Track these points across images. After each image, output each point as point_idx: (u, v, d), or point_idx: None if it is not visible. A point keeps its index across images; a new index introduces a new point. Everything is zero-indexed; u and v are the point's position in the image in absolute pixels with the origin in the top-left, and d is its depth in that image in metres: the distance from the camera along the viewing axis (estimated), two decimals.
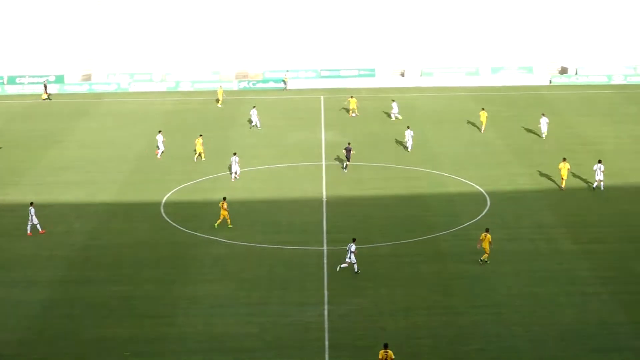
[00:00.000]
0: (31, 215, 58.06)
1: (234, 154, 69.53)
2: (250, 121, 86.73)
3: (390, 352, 39.95)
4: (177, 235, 57.68)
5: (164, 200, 64.20)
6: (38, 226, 58.45)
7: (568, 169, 65.67)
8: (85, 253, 55.04)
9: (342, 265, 51.20)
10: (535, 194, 64.73)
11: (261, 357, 42.15)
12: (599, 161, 65.86)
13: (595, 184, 65.54)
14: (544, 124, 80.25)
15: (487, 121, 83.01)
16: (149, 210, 62.51)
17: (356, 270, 50.97)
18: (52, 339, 44.08)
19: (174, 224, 59.64)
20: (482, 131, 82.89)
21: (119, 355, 42.49)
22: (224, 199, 59.67)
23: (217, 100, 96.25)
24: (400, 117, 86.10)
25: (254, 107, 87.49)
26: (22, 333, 44.64)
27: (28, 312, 46.90)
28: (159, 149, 76.03)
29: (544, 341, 43.07)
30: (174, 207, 63.00)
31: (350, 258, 50.86)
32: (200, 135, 76.73)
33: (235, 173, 68.60)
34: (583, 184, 66.58)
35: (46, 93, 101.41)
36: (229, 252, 54.58)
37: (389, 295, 48.18)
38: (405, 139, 76.25)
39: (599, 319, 45.11)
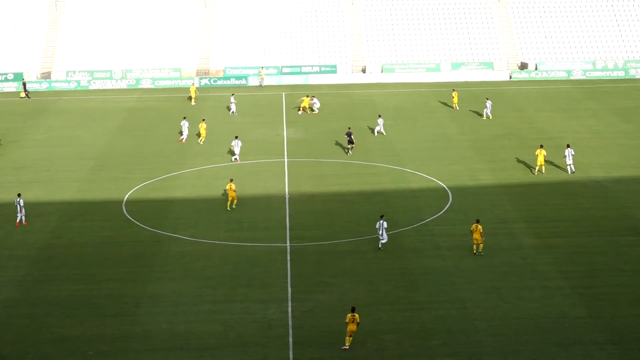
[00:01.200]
0: (19, 207, 58.73)
1: (236, 137, 72.57)
2: (229, 108, 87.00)
3: (357, 315, 41.63)
4: (140, 234, 57.37)
5: (125, 198, 63.85)
6: (23, 218, 58.88)
7: (544, 155, 67.81)
8: (47, 252, 54.59)
9: (383, 242, 53.42)
10: (496, 189, 65.08)
11: (225, 355, 42.03)
12: (568, 145, 68.27)
13: (569, 170, 67.96)
14: (488, 107, 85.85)
15: (458, 100, 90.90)
16: (110, 208, 62.13)
17: (380, 246, 53.46)
18: (13, 339, 43.64)
19: (136, 222, 59.32)
20: (456, 108, 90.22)
21: (82, 354, 42.18)
22: (231, 180, 61.62)
23: (190, 98, 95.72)
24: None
25: (233, 94, 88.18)
26: None
27: None
28: (182, 134, 78.43)
29: (507, 335, 43.29)
30: (136, 205, 62.68)
31: (382, 235, 52.99)
32: (204, 119, 79.94)
33: (237, 156, 71.97)
34: (543, 179, 67.03)
35: (25, 91, 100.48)
36: (192, 250, 54.37)
37: (352, 291, 48.20)
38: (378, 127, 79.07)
39: (561, 313, 45.40)
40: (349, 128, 75.85)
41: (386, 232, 53.49)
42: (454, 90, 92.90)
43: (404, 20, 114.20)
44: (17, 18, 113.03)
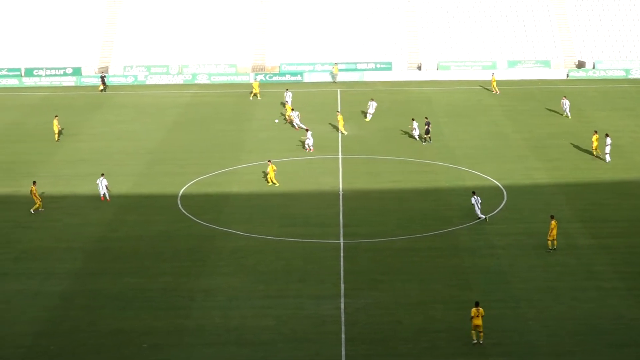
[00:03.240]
0: (101, 184, 62.62)
1: (307, 130, 74.44)
2: (283, 104, 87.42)
3: (481, 309, 41.73)
4: (194, 228, 57.76)
5: (180, 193, 64.31)
6: (107, 194, 62.28)
7: (597, 139, 70.85)
8: (103, 245, 55.19)
9: (482, 217, 57.40)
10: (551, 189, 64.57)
11: (278, 350, 42.18)
12: (607, 135, 70.25)
13: (607, 159, 69.55)
14: (566, 105, 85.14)
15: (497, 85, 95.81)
16: (165, 202, 62.63)
17: (482, 217, 57.47)
18: (69, 331, 44.21)
19: (190, 216, 59.74)
20: (496, 92, 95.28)
21: (136, 346, 42.59)
22: (269, 161, 64.88)
23: (251, 93, 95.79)
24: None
25: (287, 89, 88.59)
26: (40, 325, 44.78)
27: (46, 304, 47.05)
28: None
29: (561, 336, 42.98)
30: (190, 199, 63.11)
31: (478, 210, 57.09)
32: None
33: (309, 145, 73.23)
34: (600, 178, 66.39)
35: (103, 85, 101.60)
36: (246, 245, 54.63)
37: (405, 289, 48.15)
38: (412, 129, 77.65)
39: (617, 314, 44.96)
40: (426, 118, 76.93)
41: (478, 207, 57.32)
42: (493, 74, 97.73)
43: (460, 17, 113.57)
44: (76, 13, 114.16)
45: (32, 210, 60.41)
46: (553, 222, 52.63)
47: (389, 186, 65.60)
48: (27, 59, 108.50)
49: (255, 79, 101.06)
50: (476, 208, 57.58)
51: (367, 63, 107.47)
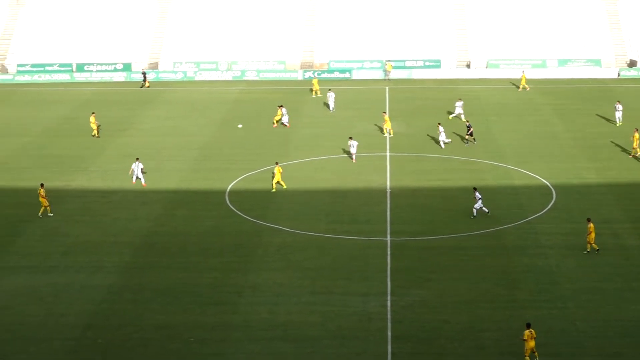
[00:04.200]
0: (137, 168, 64.76)
1: (350, 138, 71.35)
2: (327, 105, 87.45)
3: (534, 330, 40.07)
4: (241, 224, 57.99)
5: (228, 189, 64.59)
6: (142, 179, 64.13)
7: (637, 139, 70.03)
8: (151, 240, 55.60)
9: (484, 210, 57.86)
10: (601, 189, 63.98)
11: (324, 347, 42.23)
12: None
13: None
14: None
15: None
16: (213, 198, 62.94)
17: (487, 210, 58.05)
18: (117, 325, 44.59)
19: (238, 212, 59.99)
20: (525, 88, 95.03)
21: (183, 341, 42.85)
22: (277, 163, 64.58)
23: (311, 90, 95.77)
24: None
25: (330, 90, 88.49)
26: (88, 318, 45.23)
27: (94, 297, 47.51)
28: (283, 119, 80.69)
29: (609, 337, 42.58)
30: (238, 195, 63.37)
31: (477, 205, 57.54)
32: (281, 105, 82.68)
33: (354, 156, 71.06)
34: None
35: (144, 81, 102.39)
36: (293, 241, 54.76)
37: (452, 288, 47.99)
38: (438, 133, 75.38)
39: None
40: (467, 121, 76.24)
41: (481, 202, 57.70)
42: (523, 71, 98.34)
43: (510, 14, 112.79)
44: (127, 9, 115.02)
45: (40, 215, 59.48)
46: (590, 225, 52.01)
47: (437, 184, 65.39)
48: (78, 54, 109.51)
49: (315, 76, 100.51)
50: (479, 203, 57.82)
51: (416, 61, 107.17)
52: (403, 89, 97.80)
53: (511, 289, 47.77)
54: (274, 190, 63.70)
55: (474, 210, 57.75)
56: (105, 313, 45.85)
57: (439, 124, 76.39)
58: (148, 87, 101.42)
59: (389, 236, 55.35)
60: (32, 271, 51.07)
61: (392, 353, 41.49)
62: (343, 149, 73.04)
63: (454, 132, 77.72)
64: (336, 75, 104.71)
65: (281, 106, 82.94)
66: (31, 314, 45.74)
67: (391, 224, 57.44)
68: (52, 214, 59.41)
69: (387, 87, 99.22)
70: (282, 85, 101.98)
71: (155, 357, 41.57)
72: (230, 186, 65.11)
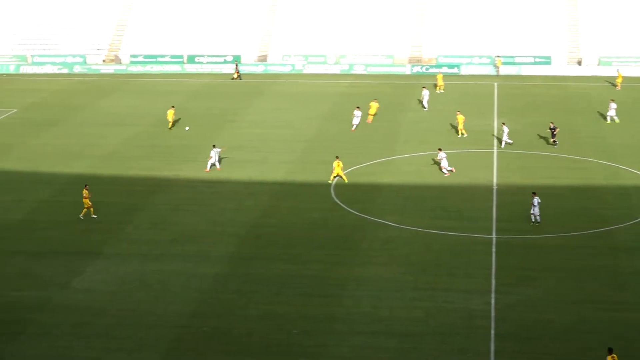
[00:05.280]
0: (215, 155, 66.96)
1: (439, 149, 68.45)
2: (420, 102, 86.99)
3: (615, 355, 38.31)
4: (347, 217, 58.22)
5: (334, 182, 64.85)
6: (217, 164, 66.73)
7: None
8: (257, 231, 56.21)
9: (536, 217, 55.66)
10: None
11: (425, 342, 42.19)
12: None
13: None
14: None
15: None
16: (319, 191, 63.29)
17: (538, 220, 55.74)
18: (222, 313, 45.26)
19: (343, 205, 60.22)
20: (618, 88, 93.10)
21: (286, 332, 43.28)
22: (337, 157, 64.88)
23: (435, 86, 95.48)
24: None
25: (424, 87, 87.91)
26: (195, 306, 46.01)
27: (200, 286, 48.28)
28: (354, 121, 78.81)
29: None
30: (344, 188, 63.58)
31: (534, 210, 55.35)
32: (376, 99, 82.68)
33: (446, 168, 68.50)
34: None
35: (237, 73, 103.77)
36: (397, 236, 54.76)
37: (558, 287, 47.42)
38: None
39: None
40: (552, 122, 73.93)
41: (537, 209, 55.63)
42: (618, 69, 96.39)
43: (624, 10, 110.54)
44: (237, 1, 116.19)
45: (81, 216, 58.63)
46: None
47: (544, 182, 64.58)
48: (189, 46, 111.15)
49: (440, 72, 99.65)
50: (535, 209, 55.77)
51: (526, 57, 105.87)
52: (512, 85, 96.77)
53: (619, 291, 46.98)
54: (330, 182, 64.26)
55: (532, 217, 55.97)
56: (211, 302, 46.56)
57: (503, 123, 75.14)
58: (237, 78, 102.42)
59: (494, 233, 54.92)
60: (141, 259, 52.16)
61: (495, 351, 41.23)
62: (449, 145, 72.70)
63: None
64: (444, 70, 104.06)
65: (368, 102, 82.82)
66: (139, 301, 46.75)
67: (497, 221, 56.97)
68: (95, 216, 58.54)
69: (495, 83, 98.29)
70: (390, 79, 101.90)
71: (259, 347, 42.07)
72: (336, 179, 65.35)
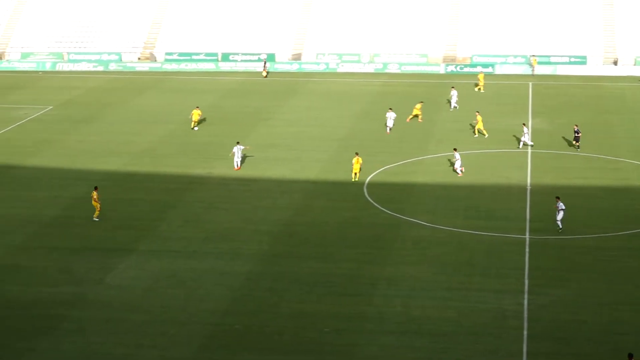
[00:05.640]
0: (237, 152, 67.17)
1: (455, 150, 68.21)
2: (449, 102, 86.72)
3: None
4: (379, 216, 58.19)
5: (367, 181, 64.86)
6: (238, 163, 67.13)
7: None
8: (289, 229, 56.30)
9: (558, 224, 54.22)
10: None
11: (457, 343, 42.08)
12: None
13: None
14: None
15: None
16: (352, 190, 63.30)
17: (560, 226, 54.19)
18: (254, 311, 45.36)
19: (376, 204, 60.20)
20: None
21: (317, 331, 43.31)
22: (357, 154, 64.38)
23: (476, 85, 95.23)
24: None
25: (453, 87, 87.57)
26: (227, 303, 46.16)
27: (232, 284, 48.42)
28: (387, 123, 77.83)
29: None
30: (376, 187, 63.57)
31: (559, 216, 53.85)
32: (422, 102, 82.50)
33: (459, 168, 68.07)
34: None
35: (265, 70, 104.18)
36: (430, 235, 54.67)
37: (592, 289, 47.14)
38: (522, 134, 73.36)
39: None
40: (576, 125, 73.02)
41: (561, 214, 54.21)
42: None
43: None
44: (271, 0, 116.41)
45: (95, 219, 57.89)
46: None
47: (578, 182, 64.25)
48: (224, 44, 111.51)
49: (481, 71, 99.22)
50: (560, 214, 54.41)
51: (561, 56, 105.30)
52: (547, 85, 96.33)
53: None
54: (355, 180, 64.39)
55: (559, 223, 54.62)
56: (243, 300, 46.70)
57: (524, 124, 74.44)
58: (266, 76, 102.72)
59: (527, 234, 54.69)
60: (174, 256, 52.40)
61: (528, 352, 41.06)
62: (483, 145, 72.48)
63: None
64: (478, 69, 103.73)
65: (422, 101, 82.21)
66: (172, 298, 46.98)
67: (530, 221, 56.72)
68: (97, 219, 57.77)
69: (530, 83, 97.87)
70: (424, 78, 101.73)
71: (290, 346, 42.16)
72: (369, 178, 65.35)
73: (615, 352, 40.90)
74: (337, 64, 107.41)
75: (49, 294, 47.67)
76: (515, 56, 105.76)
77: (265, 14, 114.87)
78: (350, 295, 46.92)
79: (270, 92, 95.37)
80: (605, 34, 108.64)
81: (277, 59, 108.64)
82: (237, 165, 67.77)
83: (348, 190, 63.29)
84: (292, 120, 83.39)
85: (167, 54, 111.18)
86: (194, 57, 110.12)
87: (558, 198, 55.08)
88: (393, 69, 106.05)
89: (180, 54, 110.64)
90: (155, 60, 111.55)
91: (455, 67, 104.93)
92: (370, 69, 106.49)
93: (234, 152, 67.72)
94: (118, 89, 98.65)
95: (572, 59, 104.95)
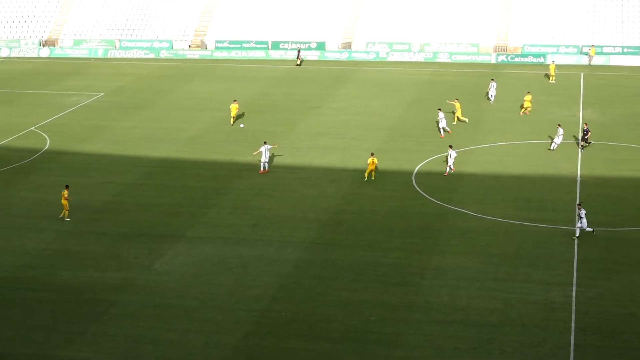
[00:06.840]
0: (265, 151, 64.39)
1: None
2: (487, 93, 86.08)
3: None
4: (427, 206, 58.08)
5: (415, 170, 64.74)
6: (266, 164, 64.61)
7: None
8: (337, 217, 56.37)
9: (587, 229, 51.90)
10: None
11: (504, 334, 41.90)
12: None
13: None
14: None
15: None
16: (400, 178, 63.24)
17: (590, 229, 52.12)
18: (301, 299, 45.50)
19: (424, 194, 60.08)
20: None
21: (364, 319, 43.35)
22: (372, 154, 63.29)
23: (547, 76, 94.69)
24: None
25: (492, 79, 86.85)
26: (275, 290, 46.35)
27: (280, 271, 48.62)
28: (440, 125, 74.23)
29: None
30: (425, 177, 63.44)
31: (581, 223, 51.53)
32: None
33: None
34: None
35: (299, 59, 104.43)
36: (478, 226, 54.45)
37: None
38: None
39: None
40: (586, 124, 71.22)
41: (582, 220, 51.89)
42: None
43: None
44: None
45: (66, 219, 56.43)
46: None
47: (629, 174, 63.63)
48: (274, 32, 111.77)
49: (553, 61, 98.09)
50: (583, 222, 51.78)
51: (614, 47, 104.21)
52: (599, 76, 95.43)
53: None
54: (368, 179, 62.84)
55: (577, 230, 52.30)
56: (291, 287, 46.87)
57: (559, 125, 70.91)
58: (299, 65, 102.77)
59: (576, 225, 54.20)
60: (223, 242, 52.71)
61: (575, 344, 40.79)
62: (534, 135, 71.99)
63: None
64: (530, 59, 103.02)
65: (456, 100, 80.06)
66: (220, 284, 47.28)
67: None
68: (68, 219, 56.33)
69: (582, 73, 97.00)
70: (475, 68, 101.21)
71: (337, 333, 42.24)
72: (417, 168, 65.24)
73: None
74: (387, 53, 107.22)
75: (99, 278, 48.19)
76: (567, 46, 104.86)
77: (315, 3, 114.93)
78: (397, 284, 46.90)
79: (320, 81, 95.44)
80: None
81: (327, 48, 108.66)
82: (265, 167, 65.09)
83: (397, 179, 63.22)
84: (341, 109, 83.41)
85: (217, 41, 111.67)
86: (244, 45, 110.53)
87: (580, 205, 53.25)
88: (443, 58, 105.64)
89: (231, 42, 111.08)
90: (206, 48, 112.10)
91: (506, 57, 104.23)
92: (420, 58, 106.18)
93: (260, 152, 65.49)
94: (168, 76, 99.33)
95: (626, 50, 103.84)
